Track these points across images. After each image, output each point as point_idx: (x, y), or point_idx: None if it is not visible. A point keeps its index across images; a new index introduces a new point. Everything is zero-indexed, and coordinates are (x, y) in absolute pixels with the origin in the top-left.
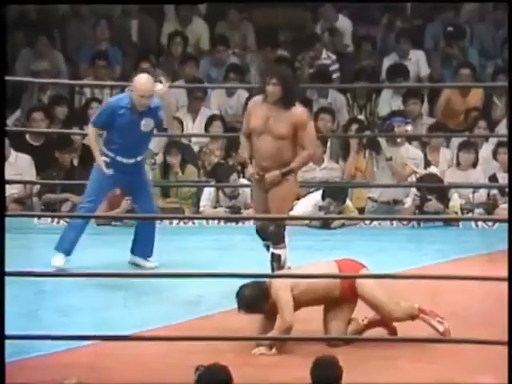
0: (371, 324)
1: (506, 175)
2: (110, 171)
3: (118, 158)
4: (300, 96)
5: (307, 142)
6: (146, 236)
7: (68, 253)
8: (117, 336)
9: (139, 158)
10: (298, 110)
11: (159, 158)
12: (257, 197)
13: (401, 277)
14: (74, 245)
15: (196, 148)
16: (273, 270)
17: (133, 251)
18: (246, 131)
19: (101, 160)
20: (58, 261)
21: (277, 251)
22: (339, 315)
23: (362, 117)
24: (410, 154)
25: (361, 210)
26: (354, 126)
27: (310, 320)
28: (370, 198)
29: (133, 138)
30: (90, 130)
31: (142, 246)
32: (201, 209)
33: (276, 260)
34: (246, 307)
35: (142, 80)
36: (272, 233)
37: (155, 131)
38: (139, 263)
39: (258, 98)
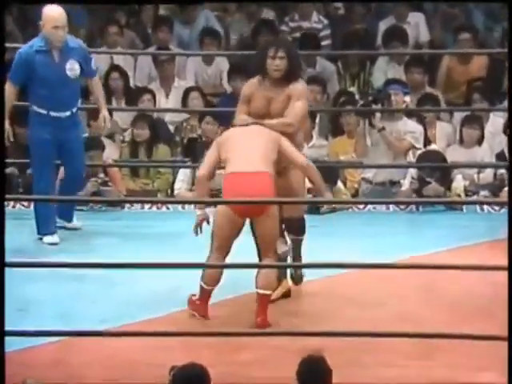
0: None
1: None
2: (9, 140)
3: (52, 113)
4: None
5: (291, 113)
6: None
7: (53, 232)
8: (91, 332)
9: (74, 110)
10: (297, 84)
11: (128, 135)
12: None
13: (397, 266)
14: (52, 221)
15: (172, 126)
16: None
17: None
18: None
19: (8, 128)
20: (51, 239)
21: (301, 237)
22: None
23: (354, 88)
24: (409, 127)
25: (354, 193)
26: (345, 99)
27: (296, 313)
28: (364, 178)
29: (60, 86)
30: (6, 86)
31: (66, 209)
32: (175, 192)
33: (298, 245)
34: None
35: (54, 9)
36: (299, 221)
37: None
38: (62, 225)
39: (253, 81)
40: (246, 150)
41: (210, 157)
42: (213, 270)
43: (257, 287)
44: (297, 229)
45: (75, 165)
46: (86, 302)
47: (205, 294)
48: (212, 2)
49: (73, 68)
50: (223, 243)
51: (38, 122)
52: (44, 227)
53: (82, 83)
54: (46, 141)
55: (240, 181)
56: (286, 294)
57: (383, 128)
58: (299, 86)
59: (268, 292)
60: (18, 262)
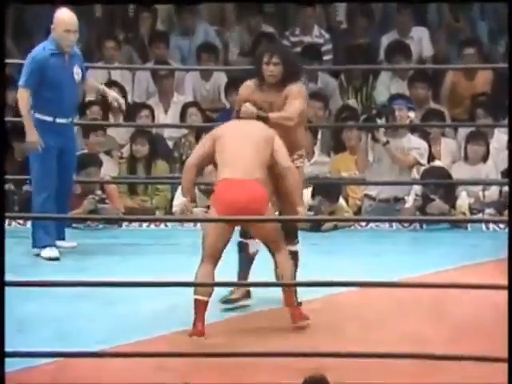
0: None
1: None
2: (41, 146)
3: (58, 120)
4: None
5: (289, 109)
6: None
7: (52, 244)
8: (89, 353)
9: (74, 116)
10: (293, 86)
11: (126, 151)
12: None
13: (399, 285)
14: (52, 234)
15: (171, 142)
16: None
17: None
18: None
19: (34, 134)
20: (49, 252)
21: (294, 248)
22: None
23: (356, 103)
24: (413, 143)
25: (356, 210)
26: (347, 114)
27: (297, 333)
28: (366, 195)
29: (67, 90)
30: (20, 93)
31: (56, 227)
32: (174, 209)
33: (294, 258)
34: None
35: (66, 13)
36: (291, 229)
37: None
38: (56, 245)
39: (250, 84)
40: (238, 153)
41: (201, 147)
42: (204, 279)
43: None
44: (291, 233)
45: (69, 175)
46: (84, 322)
47: (200, 307)
48: (210, 1)
49: (78, 73)
50: (213, 252)
51: (42, 129)
52: (42, 239)
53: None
54: (50, 149)
55: (231, 188)
56: (247, 295)
57: (387, 142)
58: (295, 88)
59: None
60: (17, 281)
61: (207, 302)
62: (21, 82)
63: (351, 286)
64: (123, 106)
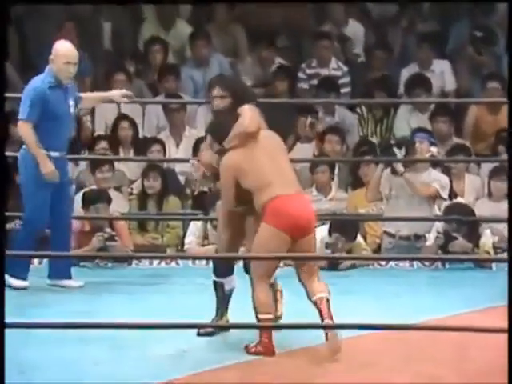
0: None
1: None
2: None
3: (52, 153)
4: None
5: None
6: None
7: (24, 278)
8: None
9: (66, 149)
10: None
11: (137, 187)
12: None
13: (417, 328)
14: (27, 267)
15: (182, 177)
16: None
17: (50, 275)
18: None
19: (48, 164)
20: (19, 282)
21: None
22: None
23: (375, 134)
24: (433, 176)
25: (375, 248)
26: (365, 149)
27: (310, 377)
28: (386, 232)
29: (64, 124)
30: (22, 127)
31: (59, 266)
32: (186, 246)
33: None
34: None
35: (66, 45)
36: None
37: None
38: (62, 284)
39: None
40: (276, 167)
41: (230, 190)
42: (265, 298)
43: (314, 294)
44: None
45: (65, 210)
46: (90, 365)
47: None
48: (211, 2)
49: (73, 105)
50: (270, 269)
51: (37, 164)
52: (15, 268)
53: None
54: (43, 184)
55: (291, 203)
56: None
57: (405, 171)
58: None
59: (328, 295)
60: (18, 322)
61: (272, 319)
62: (23, 116)
63: (369, 329)
64: (129, 97)
